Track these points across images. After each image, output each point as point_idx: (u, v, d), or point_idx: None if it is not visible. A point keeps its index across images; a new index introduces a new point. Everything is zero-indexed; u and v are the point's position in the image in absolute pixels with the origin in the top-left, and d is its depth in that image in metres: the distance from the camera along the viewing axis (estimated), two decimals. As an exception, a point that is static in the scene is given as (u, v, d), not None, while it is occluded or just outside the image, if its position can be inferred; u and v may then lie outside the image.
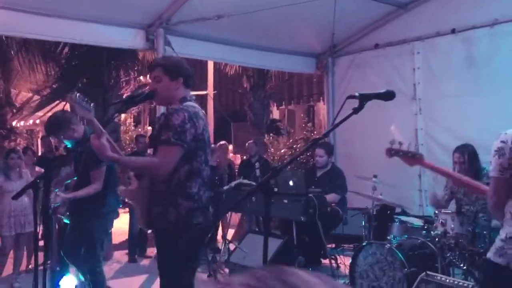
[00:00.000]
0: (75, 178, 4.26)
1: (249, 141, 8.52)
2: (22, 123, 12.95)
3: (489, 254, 2.45)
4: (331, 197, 5.71)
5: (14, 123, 11.99)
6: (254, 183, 6.18)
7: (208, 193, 2.77)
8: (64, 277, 5.21)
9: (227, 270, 5.55)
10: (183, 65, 2.83)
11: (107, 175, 4.09)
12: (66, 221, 4.27)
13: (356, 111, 2.00)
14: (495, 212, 2.48)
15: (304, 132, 13.72)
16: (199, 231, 2.71)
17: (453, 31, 6.05)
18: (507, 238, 2.37)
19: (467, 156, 4.51)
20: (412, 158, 2.95)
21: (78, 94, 2.88)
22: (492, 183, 2.41)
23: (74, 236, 4.08)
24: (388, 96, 2.13)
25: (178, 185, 2.64)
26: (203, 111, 2.87)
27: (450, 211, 4.31)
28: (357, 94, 2.03)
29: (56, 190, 3.93)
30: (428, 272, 3.66)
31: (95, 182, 4.00)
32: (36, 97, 11.14)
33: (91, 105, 2.97)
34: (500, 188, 2.38)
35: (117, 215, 4.48)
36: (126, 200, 3.96)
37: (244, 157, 9.33)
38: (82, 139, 4.00)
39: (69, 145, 4.21)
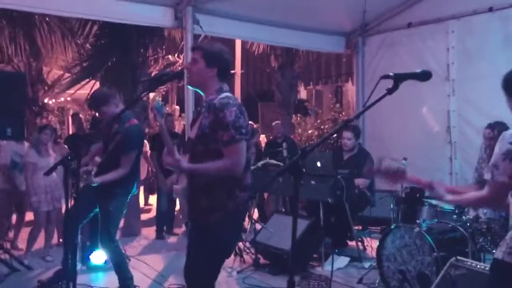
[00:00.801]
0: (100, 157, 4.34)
1: (276, 122, 8.48)
2: (53, 100, 13.18)
3: (499, 254, 2.23)
4: (361, 181, 5.64)
5: (45, 101, 12.22)
6: (281, 164, 6.16)
7: (251, 179, 2.81)
8: (94, 251, 5.34)
9: (253, 250, 5.57)
10: (222, 56, 2.79)
11: (134, 161, 4.17)
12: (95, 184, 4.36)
13: (390, 91, 1.93)
14: (497, 208, 2.37)
15: (332, 113, 13.59)
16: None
17: (490, 9, 5.84)
18: None
19: (497, 132, 4.37)
20: (394, 175, 2.54)
21: (157, 100, 2.93)
22: (497, 188, 2.21)
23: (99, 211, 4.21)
24: (425, 76, 2.05)
25: (235, 177, 2.65)
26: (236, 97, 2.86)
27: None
28: (391, 74, 1.96)
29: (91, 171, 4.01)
30: (458, 257, 3.58)
31: (123, 166, 4.08)
32: (67, 75, 11.29)
33: (164, 109, 3.01)
34: (506, 193, 2.24)
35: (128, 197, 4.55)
36: (179, 198, 4.00)
37: (270, 138, 9.31)
38: (120, 118, 4.05)
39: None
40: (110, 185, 4.07)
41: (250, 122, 7.85)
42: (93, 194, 4.10)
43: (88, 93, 11.19)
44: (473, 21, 6.08)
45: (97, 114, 4.39)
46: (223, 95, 2.70)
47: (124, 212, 4.34)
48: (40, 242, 6.00)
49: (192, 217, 2.87)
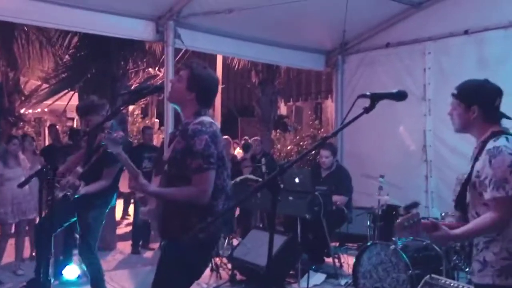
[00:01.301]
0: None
1: (254, 138, 8.52)
2: (30, 111, 12.98)
3: (488, 280, 2.15)
4: (339, 199, 5.69)
5: (22, 111, 12.02)
6: (260, 179, 6.16)
7: (228, 204, 2.77)
8: (67, 266, 5.24)
9: (229, 265, 5.54)
10: (206, 83, 2.75)
11: (116, 174, 4.18)
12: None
13: (367, 110, 1.96)
14: (502, 230, 2.17)
15: (311, 130, 13.71)
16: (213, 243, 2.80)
17: (466, 32, 5.99)
18: None
19: None
20: (415, 227, 2.21)
21: (107, 132, 2.86)
22: (508, 203, 2.08)
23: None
24: (400, 96, 2.09)
25: (206, 205, 2.63)
26: (217, 125, 2.83)
27: (457, 214, 4.26)
28: (368, 93, 1.99)
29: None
30: (433, 275, 3.63)
31: (105, 179, 4.10)
32: (45, 85, 11.15)
33: (119, 133, 2.93)
34: None
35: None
36: (149, 219, 3.96)
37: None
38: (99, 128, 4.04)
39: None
40: (89, 196, 4.04)
41: (225, 136, 7.91)
42: (71, 204, 4.05)
43: (66, 105, 11.09)
44: (449, 43, 6.24)
45: (81, 121, 4.36)
46: (199, 119, 2.66)
47: (103, 223, 4.30)
48: (11, 256, 5.86)
49: (163, 235, 2.84)
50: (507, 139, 2.24)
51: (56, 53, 9.18)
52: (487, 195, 2.15)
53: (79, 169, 4.30)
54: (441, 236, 2.19)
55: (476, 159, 2.31)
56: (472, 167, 2.31)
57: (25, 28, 9.21)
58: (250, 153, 8.12)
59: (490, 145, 2.22)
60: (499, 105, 2.36)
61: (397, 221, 2.27)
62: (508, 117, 2.41)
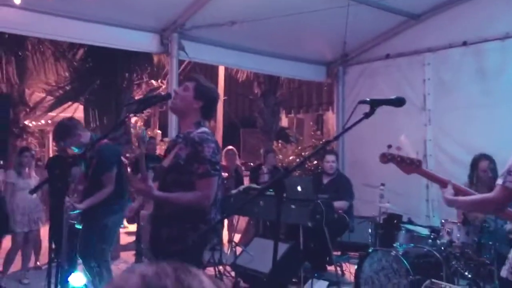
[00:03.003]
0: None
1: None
2: (33, 123, 13.10)
3: (504, 273, 2.31)
4: (340, 204, 5.76)
5: (26, 122, 12.14)
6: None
7: (218, 216, 2.86)
8: (73, 273, 5.29)
9: (233, 273, 5.59)
10: (211, 95, 2.89)
11: (118, 177, 4.24)
12: (78, 226, 4.37)
13: (367, 116, 2.06)
14: (497, 213, 2.45)
15: (313, 140, 13.75)
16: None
17: (464, 43, 6.11)
18: None
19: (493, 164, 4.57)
20: (409, 165, 2.65)
21: (143, 130, 2.98)
22: (505, 193, 2.28)
23: (87, 233, 4.19)
24: (399, 102, 2.18)
25: (199, 210, 2.71)
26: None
27: (456, 221, 4.34)
28: (368, 99, 2.09)
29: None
30: (433, 280, 3.69)
31: (107, 185, 4.17)
32: (49, 97, 11.28)
33: (147, 140, 3.05)
34: (510, 200, 2.32)
35: (123, 214, 4.59)
36: (146, 224, 4.08)
37: (252, 164, 9.33)
38: (89, 144, 4.16)
39: (76, 151, 4.35)
40: (105, 203, 4.12)
41: (230, 147, 7.93)
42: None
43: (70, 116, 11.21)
44: (448, 54, 6.34)
45: (58, 148, 4.49)
46: (201, 129, 2.77)
47: (119, 228, 4.38)
48: (17, 265, 5.92)
49: (153, 246, 2.89)
50: None
51: (62, 65, 9.32)
52: (499, 180, 2.37)
53: (80, 187, 4.41)
54: (443, 193, 2.51)
55: None
56: None
57: (32, 40, 9.35)
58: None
59: None
60: None
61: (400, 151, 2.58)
62: None
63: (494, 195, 2.34)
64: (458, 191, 2.51)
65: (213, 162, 2.69)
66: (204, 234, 2.71)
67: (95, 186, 4.18)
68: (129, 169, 7.46)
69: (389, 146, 2.68)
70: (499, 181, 2.33)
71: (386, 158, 2.71)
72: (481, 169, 4.76)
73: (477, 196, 2.47)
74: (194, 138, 2.72)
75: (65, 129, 4.29)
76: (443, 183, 2.55)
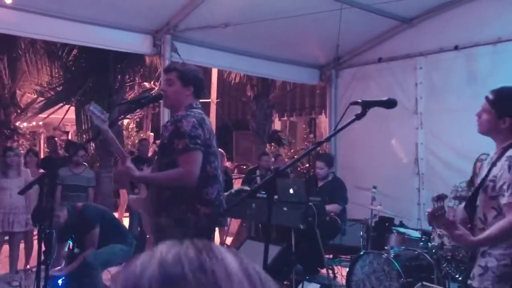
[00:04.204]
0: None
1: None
2: (25, 124, 13.02)
3: (488, 284, 2.21)
4: (332, 207, 5.76)
5: (17, 124, 12.06)
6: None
7: (222, 195, 2.81)
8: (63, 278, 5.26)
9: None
10: (197, 75, 2.87)
11: (103, 232, 4.38)
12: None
13: (358, 117, 2.06)
14: None
15: (306, 143, 13.81)
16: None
17: (456, 47, 6.14)
18: None
19: None
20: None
21: (94, 104, 2.86)
22: None
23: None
24: (390, 104, 2.19)
25: (194, 190, 2.64)
26: (208, 117, 2.92)
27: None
28: (360, 100, 2.09)
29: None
30: (424, 283, 3.70)
31: (88, 247, 4.33)
32: (41, 98, 11.22)
33: (107, 115, 2.88)
34: None
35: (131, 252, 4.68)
36: (136, 209, 4.11)
37: (245, 166, 9.34)
38: (70, 219, 4.35)
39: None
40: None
41: (219, 149, 7.90)
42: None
43: (62, 118, 11.15)
44: (440, 58, 6.38)
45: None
46: (190, 110, 2.76)
47: (125, 260, 4.46)
48: (5, 267, 5.88)
49: (155, 232, 2.88)
50: None
51: (55, 66, 9.26)
52: (504, 199, 2.19)
53: (64, 252, 4.50)
54: (460, 236, 2.21)
55: (494, 164, 2.35)
56: (489, 171, 2.34)
57: (24, 40, 9.29)
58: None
59: (511, 152, 2.26)
60: None
61: (429, 210, 2.30)
62: None
63: None
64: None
65: (192, 136, 2.61)
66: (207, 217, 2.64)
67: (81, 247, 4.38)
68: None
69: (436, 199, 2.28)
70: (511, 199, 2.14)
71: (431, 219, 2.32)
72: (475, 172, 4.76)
73: (504, 225, 2.18)
74: (178, 116, 2.71)
75: (42, 213, 4.38)
76: (452, 225, 2.23)
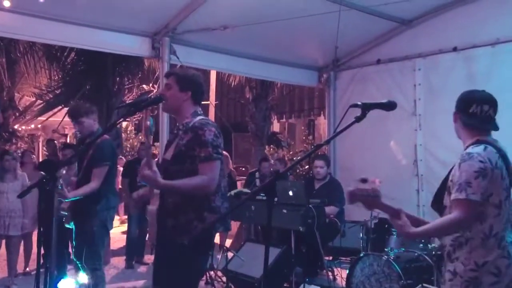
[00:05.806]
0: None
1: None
2: (24, 127, 13.02)
3: None
4: (330, 209, 5.75)
5: (16, 127, 12.07)
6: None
7: (226, 204, 2.80)
8: (62, 279, 5.24)
9: (224, 278, 5.56)
10: (196, 80, 2.87)
11: (108, 175, 4.19)
12: (68, 226, 4.32)
13: (358, 119, 2.06)
14: (466, 230, 2.25)
15: (305, 145, 13.81)
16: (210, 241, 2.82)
17: (454, 49, 6.14)
18: (480, 266, 2.19)
19: None
20: (372, 200, 2.37)
21: (152, 119, 2.89)
22: (472, 207, 2.17)
23: (79, 236, 4.15)
24: (390, 106, 2.19)
25: (204, 198, 2.67)
26: None
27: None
28: (359, 103, 2.09)
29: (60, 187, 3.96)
30: (424, 285, 3.69)
31: (94, 179, 4.08)
32: (39, 101, 11.22)
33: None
34: (478, 212, 2.20)
35: (115, 212, 4.55)
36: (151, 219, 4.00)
37: (244, 168, 9.34)
38: (94, 135, 4.17)
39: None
40: (86, 203, 4.04)
41: (224, 152, 7.91)
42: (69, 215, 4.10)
43: (60, 121, 11.16)
44: (439, 60, 6.37)
45: (74, 125, 4.43)
46: (199, 118, 2.79)
47: (110, 229, 4.31)
48: (4, 271, 5.87)
49: (160, 238, 2.88)
50: (485, 148, 2.31)
51: (53, 69, 9.26)
52: (452, 196, 2.24)
53: (73, 178, 4.35)
54: (400, 226, 2.29)
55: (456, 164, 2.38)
56: (449, 172, 2.39)
57: (23, 43, 9.30)
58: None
59: (466, 151, 2.32)
60: (477, 113, 2.44)
61: (350, 189, 2.33)
62: (496, 128, 2.47)
63: (461, 213, 2.17)
64: (408, 218, 2.32)
65: (215, 145, 2.67)
66: (213, 224, 2.67)
67: (87, 178, 4.13)
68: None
69: (357, 181, 2.38)
70: (459, 196, 2.18)
71: (354, 197, 2.41)
72: None
73: (442, 221, 2.27)
74: (195, 124, 2.73)
75: (85, 108, 4.34)
76: (395, 213, 2.32)
